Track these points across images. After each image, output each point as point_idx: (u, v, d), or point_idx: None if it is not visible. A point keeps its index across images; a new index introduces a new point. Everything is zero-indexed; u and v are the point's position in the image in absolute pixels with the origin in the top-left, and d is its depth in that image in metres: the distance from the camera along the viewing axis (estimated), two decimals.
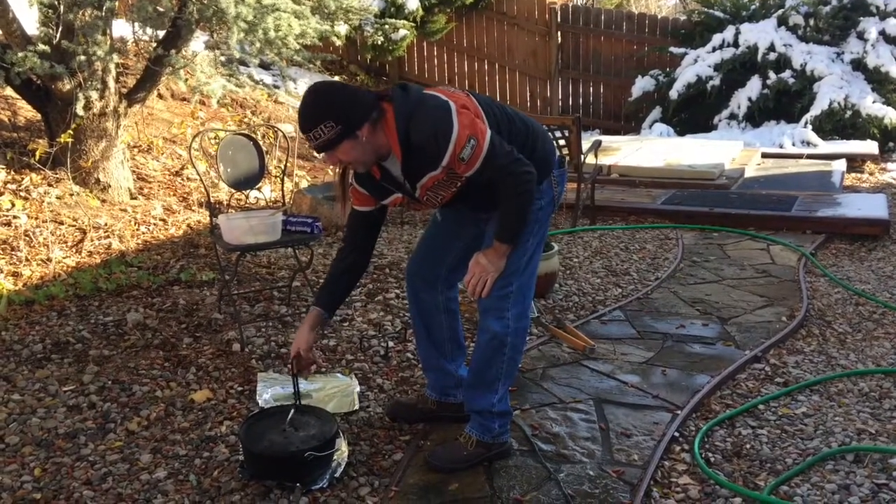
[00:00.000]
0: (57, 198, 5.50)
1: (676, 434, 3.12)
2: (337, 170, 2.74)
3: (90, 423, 3.18)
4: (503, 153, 2.54)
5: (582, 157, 6.18)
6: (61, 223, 5.26)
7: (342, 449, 2.88)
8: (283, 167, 4.93)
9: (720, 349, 3.98)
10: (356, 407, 3.30)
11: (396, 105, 2.51)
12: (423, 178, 2.60)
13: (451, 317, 3.09)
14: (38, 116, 6.12)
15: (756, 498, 2.67)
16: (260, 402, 3.32)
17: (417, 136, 2.48)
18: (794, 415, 3.31)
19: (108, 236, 5.30)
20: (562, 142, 6.06)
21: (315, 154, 8.81)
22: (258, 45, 5.15)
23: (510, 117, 2.72)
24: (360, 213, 2.82)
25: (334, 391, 3.41)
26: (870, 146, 9.57)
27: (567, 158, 6.03)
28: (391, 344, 3.95)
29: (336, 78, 11.36)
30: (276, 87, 8.19)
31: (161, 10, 4.90)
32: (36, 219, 5.20)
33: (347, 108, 2.47)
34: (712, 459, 2.97)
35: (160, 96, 8.22)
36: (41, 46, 4.80)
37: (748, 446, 3.05)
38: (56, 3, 4.55)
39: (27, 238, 4.99)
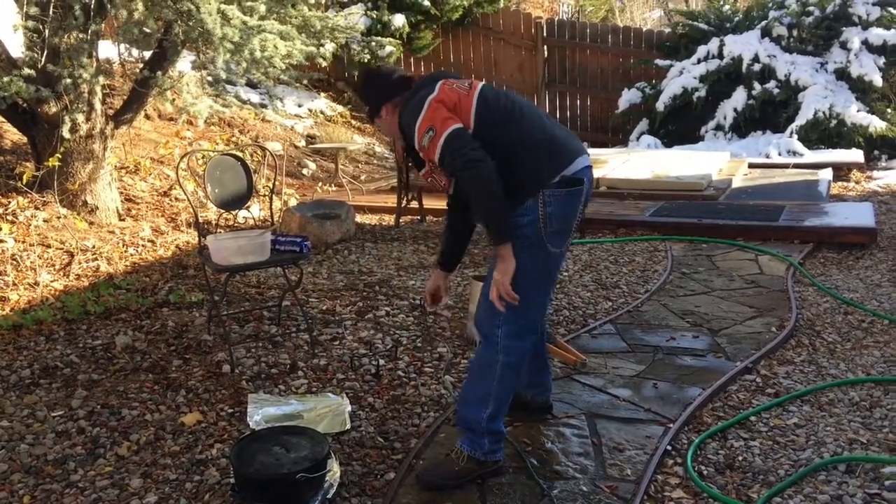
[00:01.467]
0: (44, 221, 5.48)
1: (669, 447, 3.11)
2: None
3: (79, 449, 3.15)
4: (454, 150, 2.61)
5: None
6: (49, 246, 5.24)
7: (334, 469, 2.87)
8: (271, 186, 4.93)
9: (711, 361, 3.99)
10: (347, 427, 3.29)
11: (409, 92, 2.81)
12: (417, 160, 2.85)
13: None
14: (25, 139, 6.11)
15: None
16: (251, 423, 3.30)
17: (402, 121, 2.80)
18: (786, 426, 3.31)
19: (95, 259, 5.28)
20: None
21: (304, 173, 8.82)
22: (244, 65, 5.15)
23: (511, 122, 2.72)
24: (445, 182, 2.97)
25: (325, 411, 3.40)
26: (855, 155, 9.65)
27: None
28: (382, 362, 3.94)
29: (322, 95, 11.40)
30: (264, 105, 8.20)
31: (147, 31, 4.90)
32: (23, 242, 5.18)
33: (372, 93, 2.89)
34: (705, 472, 2.97)
35: (147, 117, 8.22)
36: (26, 70, 4.79)
37: (740, 458, 3.05)
38: (41, 27, 4.55)
39: (14, 262, 4.97)
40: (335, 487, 2.80)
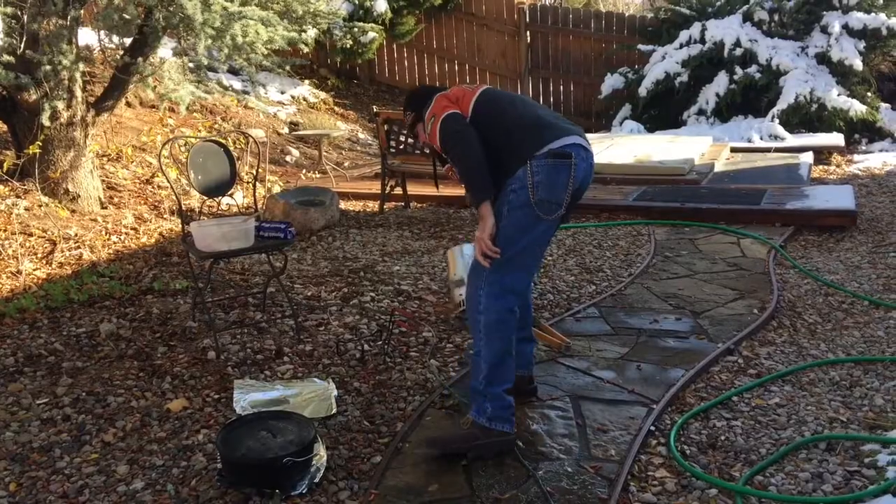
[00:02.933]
0: (25, 209, 5.44)
1: (652, 428, 3.15)
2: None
3: (65, 436, 3.15)
4: (445, 128, 2.92)
5: None
6: (31, 235, 5.21)
7: (320, 454, 2.88)
8: (254, 173, 4.91)
9: (693, 343, 4.03)
10: (333, 411, 3.30)
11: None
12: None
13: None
14: (4, 128, 6.05)
15: (731, 489, 2.71)
16: (237, 409, 3.31)
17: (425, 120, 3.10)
18: (768, 405, 3.35)
19: (78, 247, 5.25)
20: None
21: (288, 160, 8.79)
22: (226, 51, 5.12)
23: (502, 113, 2.99)
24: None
25: (311, 396, 3.41)
26: (836, 138, 9.72)
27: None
28: (367, 347, 3.95)
29: (305, 82, 11.34)
30: (246, 92, 8.15)
31: (127, 17, 4.86)
32: (4, 231, 5.14)
33: (419, 106, 3.13)
34: (688, 452, 3.00)
35: (129, 104, 8.16)
36: (5, 57, 4.74)
37: (723, 438, 3.09)
38: (19, 13, 4.50)
39: None
40: (322, 471, 2.82)
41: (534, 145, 2.89)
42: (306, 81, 11.45)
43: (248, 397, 3.39)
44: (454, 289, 4.22)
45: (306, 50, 6.41)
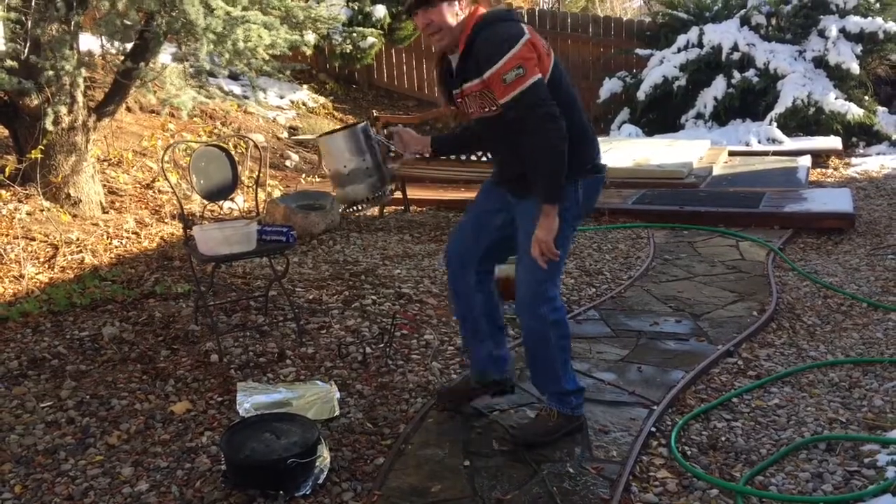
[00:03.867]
0: (27, 214, 5.46)
1: (653, 429, 3.17)
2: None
3: (69, 439, 3.16)
4: (541, 100, 2.64)
5: None
6: (33, 239, 5.23)
7: (324, 455, 2.90)
8: (255, 177, 4.94)
9: (693, 345, 4.05)
10: (336, 413, 3.32)
11: (489, 10, 2.77)
12: (467, 83, 2.79)
13: (486, 297, 3.18)
14: (5, 133, 6.07)
15: (732, 489, 2.73)
16: (240, 411, 3.33)
17: (482, 40, 2.70)
18: (767, 406, 3.38)
19: (80, 251, 5.27)
20: None
21: (287, 164, 8.81)
22: (227, 56, 5.14)
23: (570, 107, 2.79)
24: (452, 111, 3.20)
25: (314, 398, 3.43)
26: (833, 142, 9.76)
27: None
28: (369, 350, 3.97)
29: (304, 87, 11.36)
30: (245, 97, 8.18)
31: (129, 23, 4.88)
32: (7, 235, 5.16)
33: None
34: (689, 453, 3.02)
35: (128, 109, 8.18)
36: (9, 62, 4.77)
37: (723, 439, 3.11)
38: (24, 18, 4.52)
39: None
40: (326, 472, 2.83)
41: (585, 159, 2.88)
42: (305, 86, 11.48)
43: (251, 400, 3.41)
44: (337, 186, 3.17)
45: (308, 52, 6.44)
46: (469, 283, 3.15)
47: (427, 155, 3.23)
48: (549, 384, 3.08)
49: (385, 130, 3.10)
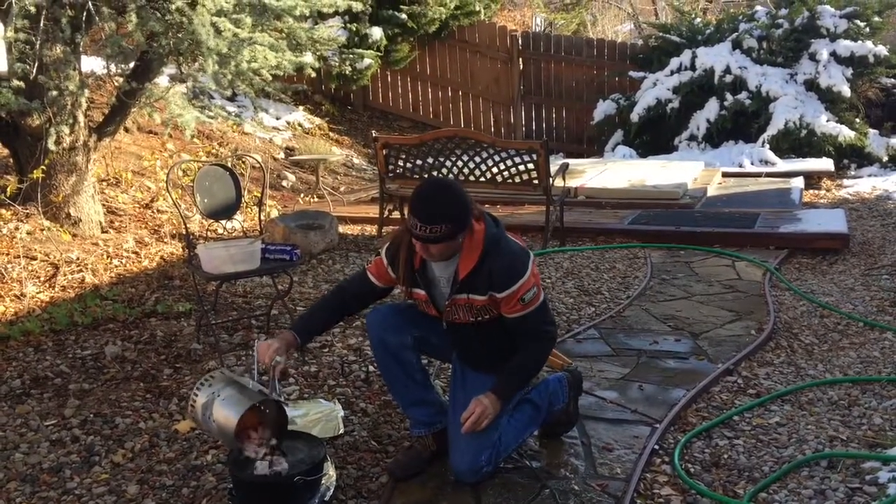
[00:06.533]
0: (28, 233, 5.47)
1: (656, 447, 3.20)
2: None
3: (75, 457, 3.17)
4: (547, 317, 2.93)
5: (550, 180, 6.29)
6: (33, 258, 5.24)
7: (330, 473, 2.91)
8: (259, 197, 4.97)
9: (693, 363, 4.08)
10: (341, 431, 3.33)
11: (488, 228, 2.79)
12: (463, 295, 2.82)
13: (417, 354, 3.08)
14: (5, 152, 6.09)
15: None
16: None
17: (494, 262, 2.75)
18: (768, 424, 3.41)
19: (80, 270, 5.28)
20: (530, 165, 6.18)
21: (284, 184, 8.84)
22: (229, 76, 5.19)
23: None
24: (369, 282, 3.07)
25: (318, 416, 3.44)
26: (826, 163, 9.86)
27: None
28: (371, 368, 3.98)
29: (300, 108, 11.43)
30: (239, 116, 8.20)
31: (131, 48, 4.92)
32: (7, 255, 5.17)
33: (464, 214, 2.72)
34: (692, 470, 3.05)
35: (126, 130, 8.20)
36: (15, 82, 4.79)
37: (726, 456, 3.14)
38: (34, 38, 4.55)
39: None
40: (332, 490, 2.85)
41: None
42: (301, 107, 11.54)
43: None
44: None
45: (313, 75, 6.48)
46: (405, 341, 3.00)
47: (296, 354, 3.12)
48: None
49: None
